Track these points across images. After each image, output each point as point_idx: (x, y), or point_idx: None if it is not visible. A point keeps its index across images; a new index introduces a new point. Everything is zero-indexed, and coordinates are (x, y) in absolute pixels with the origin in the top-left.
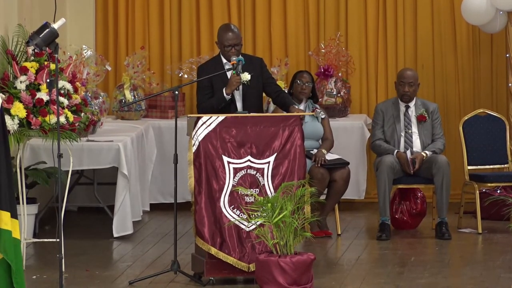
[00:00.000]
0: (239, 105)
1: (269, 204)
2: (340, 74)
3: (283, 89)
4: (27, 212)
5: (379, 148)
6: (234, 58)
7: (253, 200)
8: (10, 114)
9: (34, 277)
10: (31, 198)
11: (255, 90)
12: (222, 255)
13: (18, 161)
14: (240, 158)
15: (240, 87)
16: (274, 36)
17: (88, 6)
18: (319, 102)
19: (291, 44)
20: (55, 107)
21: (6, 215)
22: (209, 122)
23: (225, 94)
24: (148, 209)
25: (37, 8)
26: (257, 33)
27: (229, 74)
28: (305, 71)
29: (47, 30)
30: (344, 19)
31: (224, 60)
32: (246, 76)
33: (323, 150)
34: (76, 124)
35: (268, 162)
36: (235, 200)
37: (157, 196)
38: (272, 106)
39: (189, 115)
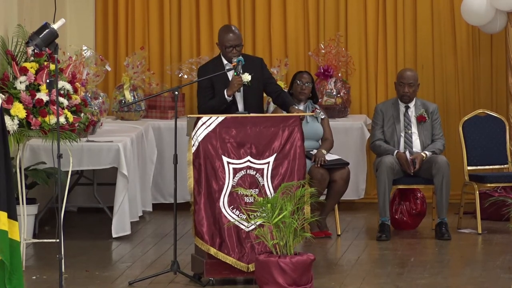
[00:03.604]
0: (240, 106)
1: (268, 205)
2: (340, 75)
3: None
4: (27, 212)
5: (379, 148)
6: (235, 60)
7: (252, 201)
8: (10, 115)
9: (34, 277)
10: (31, 198)
11: (256, 91)
12: (221, 255)
13: (18, 161)
14: (240, 158)
15: (241, 88)
16: (274, 36)
17: (88, 6)
18: (319, 102)
19: (291, 44)
20: (55, 107)
21: (4, 215)
22: (209, 123)
23: (226, 96)
24: (150, 209)
25: (37, 8)
26: (257, 33)
27: (229, 74)
28: (305, 71)
29: (47, 30)
30: (344, 19)
31: (225, 61)
32: (246, 77)
33: (323, 151)
34: (76, 125)
35: (268, 163)
36: (235, 201)
37: (157, 196)
38: (272, 106)
39: (188, 116)
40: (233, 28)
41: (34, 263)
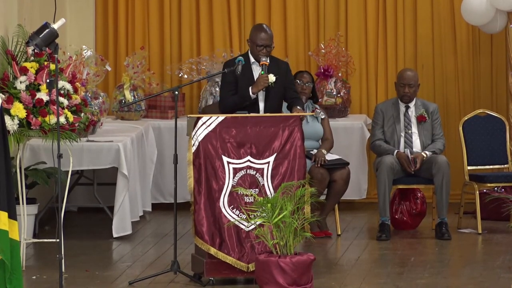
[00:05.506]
0: (261, 105)
1: (268, 205)
2: (340, 75)
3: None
4: (27, 212)
5: (379, 148)
6: (264, 59)
7: (252, 200)
8: (10, 114)
9: (34, 277)
10: (31, 198)
11: (278, 93)
12: (221, 255)
13: (18, 161)
14: (240, 158)
15: (264, 88)
16: (274, 36)
17: (88, 6)
18: (319, 102)
19: (291, 44)
20: (55, 107)
21: (4, 215)
22: (209, 122)
23: (251, 93)
24: (150, 209)
25: (37, 8)
26: None
27: (256, 73)
28: (305, 71)
29: (47, 30)
30: (344, 19)
31: (252, 59)
32: (271, 78)
33: (323, 150)
34: (76, 125)
35: (268, 162)
36: (235, 200)
37: (157, 196)
38: None
39: (189, 115)
40: (266, 27)
41: (34, 263)
